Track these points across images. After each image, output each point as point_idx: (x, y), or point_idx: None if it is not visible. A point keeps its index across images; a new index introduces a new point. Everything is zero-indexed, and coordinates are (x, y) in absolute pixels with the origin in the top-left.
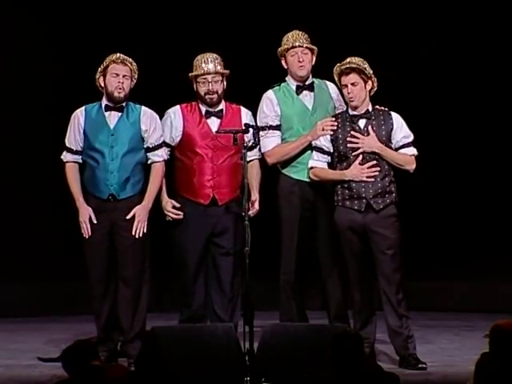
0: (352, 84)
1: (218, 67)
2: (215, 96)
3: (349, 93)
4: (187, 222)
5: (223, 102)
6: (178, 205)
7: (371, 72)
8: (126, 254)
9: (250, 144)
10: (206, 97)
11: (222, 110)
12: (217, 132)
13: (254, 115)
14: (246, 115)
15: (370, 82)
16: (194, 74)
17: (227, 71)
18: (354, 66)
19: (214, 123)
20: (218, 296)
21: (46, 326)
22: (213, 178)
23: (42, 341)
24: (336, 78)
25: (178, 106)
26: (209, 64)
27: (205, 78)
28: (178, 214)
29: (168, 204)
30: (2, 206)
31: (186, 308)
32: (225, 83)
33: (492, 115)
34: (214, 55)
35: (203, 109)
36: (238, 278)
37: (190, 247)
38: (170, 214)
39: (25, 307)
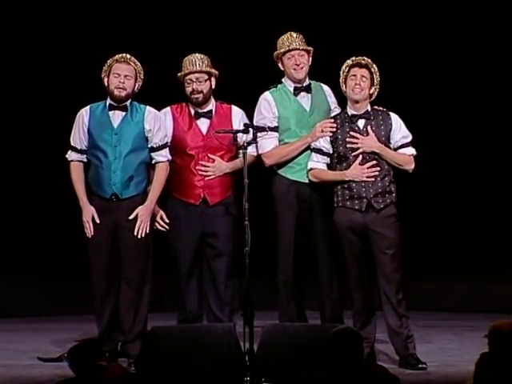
0: (362, 77)
1: (203, 66)
2: (200, 96)
3: (357, 84)
4: (178, 223)
5: (213, 101)
6: (166, 220)
7: (378, 79)
8: (129, 253)
9: (246, 143)
10: (192, 97)
11: (211, 110)
12: (217, 132)
13: (250, 115)
14: (236, 115)
15: (373, 88)
16: (180, 74)
17: (214, 70)
18: (370, 65)
19: (203, 124)
20: (213, 297)
21: (46, 326)
22: (203, 178)
23: (41, 341)
24: (345, 69)
25: (168, 108)
26: (194, 64)
27: (190, 78)
28: (164, 227)
29: (158, 215)
30: (3, 205)
31: (181, 309)
32: (212, 83)
33: (491, 115)
34: (201, 55)
35: (192, 110)
36: (233, 279)
37: (181, 248)
38: (157, 225)
39: (24, 307)
